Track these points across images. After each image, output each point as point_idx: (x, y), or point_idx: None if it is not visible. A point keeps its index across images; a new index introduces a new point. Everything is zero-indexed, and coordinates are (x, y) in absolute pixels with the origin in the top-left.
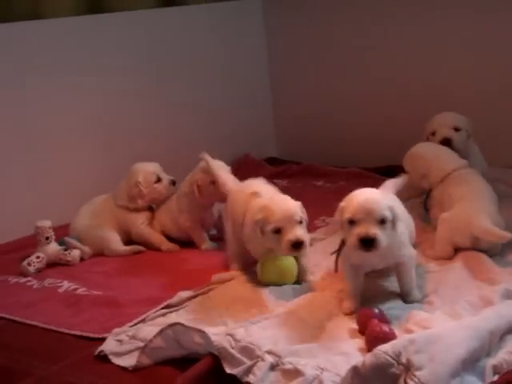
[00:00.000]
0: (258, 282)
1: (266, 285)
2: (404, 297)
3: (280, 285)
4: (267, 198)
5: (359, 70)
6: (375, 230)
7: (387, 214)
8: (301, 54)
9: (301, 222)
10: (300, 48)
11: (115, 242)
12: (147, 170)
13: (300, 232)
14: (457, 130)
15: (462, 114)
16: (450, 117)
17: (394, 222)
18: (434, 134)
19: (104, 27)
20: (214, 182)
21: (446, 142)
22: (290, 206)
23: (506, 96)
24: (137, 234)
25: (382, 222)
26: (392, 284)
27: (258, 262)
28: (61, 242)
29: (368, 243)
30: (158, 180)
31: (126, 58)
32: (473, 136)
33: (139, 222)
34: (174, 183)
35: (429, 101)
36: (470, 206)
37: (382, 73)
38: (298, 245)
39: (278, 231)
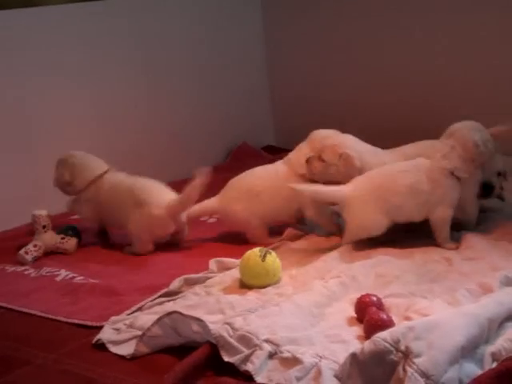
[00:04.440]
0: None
1: (250, 287)
2: None
3: (264, 286)
4: None
5: (358, 57)
6: None
7: None
8: (298, 41)
9: None
10: (298, 36)
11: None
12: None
13: None
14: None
15: (459, 102)
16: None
17: None
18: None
19: (99, 15)
20: None
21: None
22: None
23: (503, 87)
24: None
25: None
26: (391, 272)
27: None
28: (60, 231)
29: None
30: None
31: (122, 46)
32: None
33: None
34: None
35: (428, 89)
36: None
37: (381, 61)
38: None
39: None
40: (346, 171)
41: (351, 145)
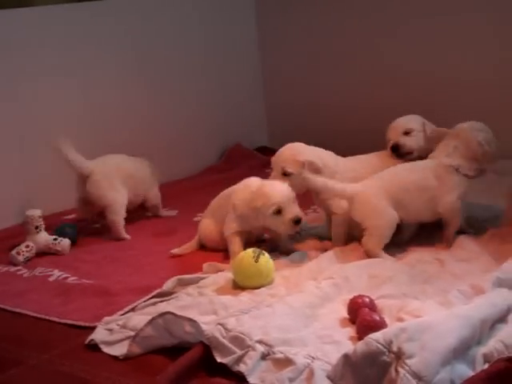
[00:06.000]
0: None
1: (243, 288)
2: None
3: (257, 287)
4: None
5: (352, 58)
6: None
7: None
8: (293, 42)
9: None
10: (292, 36)
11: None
12: (270, 196)
13: (298, 209)
14: (407, 133)
15: (460, 104)
16: (401, 120)
17: None
18: (389, 141)
19: (95, 15)
20: None
21: (395, 149)
22: (284, 188)
23: (506, 86)
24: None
25: None
26: (384, 273)
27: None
28: (58, 229)
29: None
30: (278, 212)
31: (116, 48)
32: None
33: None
34: (298, 222)
35: (425, 91)
36: None
37: (375, 62)
38: (298, 221)
39: (279, 212)
40: None
41: (307, 151)
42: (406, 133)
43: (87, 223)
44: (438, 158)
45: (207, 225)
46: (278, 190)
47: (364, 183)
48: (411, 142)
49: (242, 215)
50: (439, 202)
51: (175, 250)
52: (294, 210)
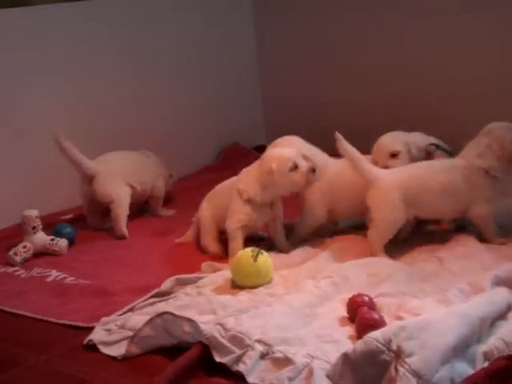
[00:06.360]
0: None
1: (241, 287)
2: None
3: (256, 286)
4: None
5: (348, 58)
6: None
7: None
8: (289, 42)
9: None
10: (288, 37)
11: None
12: (282, 155)
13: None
14: (394, 155)
15: (461, 103)
16: (386, 142)
17: None
18: (376, 163)
19: (94, 13)
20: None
21: None
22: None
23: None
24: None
25: None
26: (383, 271)
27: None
28: (55, 230)
29: None
30: (295, 167)
31: (112, 47)
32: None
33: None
34: (315, 170)
35: (425, 90)
36: None
37: (374, 62)
38: (315, 170)
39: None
40: None
41: (303, 146)
42: (393, 155)
43: (98, 228)
44: (468, 157)
45: (205, 208)
46: (285, 149)
47: (389, 172)
48: (399, 166)
49: (251, 197)
50: (469, 207)
51: (179, 239)
52: (306, 163)
